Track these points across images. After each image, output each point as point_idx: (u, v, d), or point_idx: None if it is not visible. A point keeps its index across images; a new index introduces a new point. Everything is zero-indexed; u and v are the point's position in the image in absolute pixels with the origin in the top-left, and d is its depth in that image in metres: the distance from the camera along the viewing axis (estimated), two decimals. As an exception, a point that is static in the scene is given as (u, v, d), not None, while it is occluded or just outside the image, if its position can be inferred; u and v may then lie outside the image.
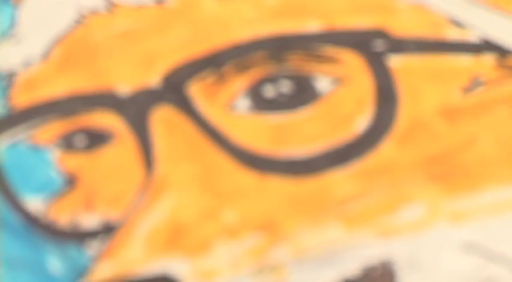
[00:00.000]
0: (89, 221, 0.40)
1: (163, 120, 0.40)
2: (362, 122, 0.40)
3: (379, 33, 0.41)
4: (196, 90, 0.41)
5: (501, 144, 0.40)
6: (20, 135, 0.41)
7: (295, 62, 0.41)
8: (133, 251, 0.39)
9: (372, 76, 0.41)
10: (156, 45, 0.41)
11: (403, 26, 0.42)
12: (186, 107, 0.40)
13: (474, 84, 0.41)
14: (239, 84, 0.40)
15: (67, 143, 0.41)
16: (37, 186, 0.41)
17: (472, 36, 0.42)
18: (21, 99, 0.41)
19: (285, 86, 0.40)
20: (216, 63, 0.41)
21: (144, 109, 0.40)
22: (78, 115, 0.41)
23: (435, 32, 0.42)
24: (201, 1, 0.42)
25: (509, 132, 0.41)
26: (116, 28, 0.42)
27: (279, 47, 0.41)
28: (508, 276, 0.39)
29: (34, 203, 0.40)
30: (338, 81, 0.40)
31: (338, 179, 0.40)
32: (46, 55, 0.42)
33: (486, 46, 0.42)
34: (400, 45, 0.41)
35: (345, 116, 0.40)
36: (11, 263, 0.40)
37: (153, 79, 0.41)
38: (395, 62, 0.41)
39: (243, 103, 0.40)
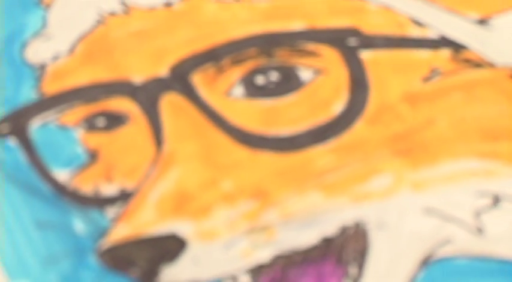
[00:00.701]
0: (108, 189, 0.40)
1: (170, 104, 0.41)
2: (338, 106, 0.40)
3: (353, 32, 0.41)
4: (198, 80, 0.41)
5: (455, 125, 0.41)
6: (49, 117, 0.41)
7: (282, 56, 0.41)
8: (146, 214, 0.39)
9: (347, 67, 0.41)
10: (165, 42, 0.41)
11: (373, 25, 0.42)
12: (190, 93, 0.41)
13: (433, 74, 0.41)
14: (235, 74, 0.41)
15: (89, 124, 0.41)
16: (64, 161, 0.40)
17: (431, 33, 0.42)
18: (51, 87, 0.41)
19: (274, 76, 0.40)
20: (215, 57, 0.41)
21: (154, 95, 0.41)
22: (99, 101, 0.41)
23: (400, 30, 0.42)
24: (203, 5, 0.42)
25: (462, 114, 0.41)
26: (131, 27, 0.42)
27: (268, 43, 0.41)
28: (461, 235, 0.39)
29: (62, 175, 0.40)
30: (318, 71, 0.41)
31: (318, 153, 0.40)
32: (71, 50, 0.42)
33: (443, 42, 0.42)
34: (371, 42, 0.42)
35: (324, 101, 0.40)
36: (43, 224, 0.40)
37: (162, 70, 0.41)
38: (367, 55, 0.41)
39: (238, 90, 0.40)
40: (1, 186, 0.41)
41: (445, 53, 0.42)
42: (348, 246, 0.39)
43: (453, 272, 0.39)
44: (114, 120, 0.41)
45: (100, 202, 0.40)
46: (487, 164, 0.40)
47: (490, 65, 0.42)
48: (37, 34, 0.42)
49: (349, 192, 0.40)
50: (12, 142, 0.41)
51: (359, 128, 0.40)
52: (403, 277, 0.39)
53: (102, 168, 0.41)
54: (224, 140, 0.40)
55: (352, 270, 0.39)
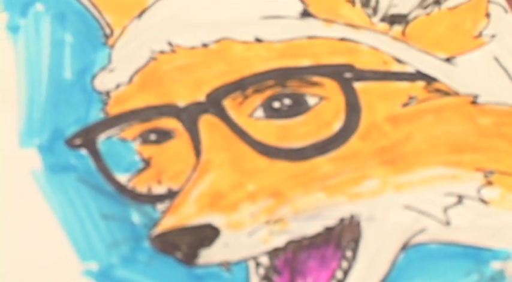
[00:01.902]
0: (158, 189, 0.40)
1: (207, 123, 0.40)
2: (337, 125, 0.40)
3: (348, 67, 0.41)
4: (228, 104, 0.40)
5: (428, 140, 0.40)
6: (113, 132, 0.41)
7: (293, 86, 0.40)
8: (187, 208, 0.38)
9: (344, 95, 0.41)
10: (202, 74, 0.41)
11: (364, 62, 0.41)
12: (222, 115, 0.40)
13: (410, 100, 0.41)
14: (257, 100, 0.40)
15: (143, 138, 0.40)
16: (124, 167, 0.40)
17: (409, 69, 0.42)
18: (114, 109, 0.41)
19: (286, 101, 0.40)
20: (241, 86, 0.40)
21: (194, 116, 0.40)
22: (151, 120, 0.41)
23: (385, 66, 0.41)
24: (232, 45, 0.41)
25: (433, 132, 0.40)
26: (176, 63, 0.41)
27: (282, 76, 0.41)
28: (433, 226, 0.39)
29: (122, 178, 0.40)
30: (322, 98, 0.40)
31: (321, 162, 0.39)
32: (130, 81, 0.41)
33: (418, 76, 0.41)
34: (362, 75, 0.41)
35: (326, 121, 0.40)
36: (107, 216, 0.39)
37: (200, 96, 0.40)
38: (359, 85, 0.41)
39: (259, 113, 0.40)
40: (75, 186, 0.40)
41: (420, 84, 0.41)
42: (344, 234, 0.39)
43: (426, 255, 0.39)
44: (163, 136, 0.40)
45: (152, 199, 0.40)
46: (453, 171, 0.40)
47: (455, 94, 0.41)
48: (103, 68, 0.42)
49: (345, 192, 0.39)
50: (83, 152, 0.41)
51: (353, 142, 0.40)
52: (388, 259, 0.39)
53: (154, 173, 0.40)
54: (248, 151, 0.40)
55: (348, 253, 0.38)
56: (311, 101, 0.40)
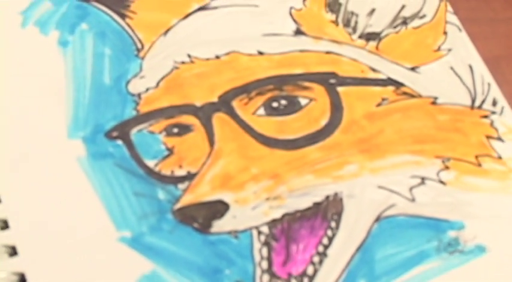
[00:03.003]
0: (180, 172, 0.39)
1: (219, 119, 0.40)
2: (324, 121, 0.40)
3: (332, 75, 0.41)
4: (236, 104, 0.40)
5: (397, 133, 0.40)
6: (143, 126, 0.40)
7: (288, 90, 0.41)
8: (203, 188, 0.38)
9: (329, 97, 0.41)
10: (215, 80, 0.41)
11: (345, 71, 0.42)
12: (231, 113, 0.40)
13: (383, 102, 0.41)
14: (259, 101, 0.40)
15: (168, 131, 0.40)
16: (152, 154, 0.39)
17: (381, 76, 0.42)
18: (144, 108, 0.41)
19: (283, 102, 0.40)
20: (247, 90, 0.41)
21: (209, 114, 0.40)
22: (174, 117, 0.40)
23: (362, 74, 0.42)
24: (239, 57, 0.42)
25: (400, 126, 0.40)
26: (194, 71, 0.41)
27: (280, 82, 0.41)
28: (401, 202, 0.39)
29: (150, 163, 0.39)
30: (311, 99, 0.40)
31: (311, 151, 0.39)
32: (157, 85, 0.41)
33: (389, 82, 0.42)
34: (344, 81, 0.41)
35: (315, 118, 0.40)
36: (138, 194, 0.38)
37: (214, 98, 0.40)
38: (341, 90, 0.41)
39: (261, 111, 0.40)
40: (112, 170, 0.39)
41: (390, 88, 0.42)
42: (329, 208, 0.38)
43: (396, 225, 0.38)
44: (184, 129, 0.40)
45: (174, 180, 0.39)
46: (417, 158, 0.40)
47: (419, 96, 0.42)
48: (135, 75, 0.42)
49: (330, 175, 0.39)
50: (119, 142, 0.40)
51: (336, 135, 0.40)
52: (364, 228, 0.38)
53: (176, 159, 0.39)
54: (252, 142, 0.40)
55: (333, 224, 0.38)
56: (302, 101, 0.40)
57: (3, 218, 0.38)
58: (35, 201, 0.38)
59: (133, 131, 0.40)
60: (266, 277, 0.36)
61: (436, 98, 0.41)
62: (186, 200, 0.38)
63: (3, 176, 0.38)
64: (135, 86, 0.41)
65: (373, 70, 0.42)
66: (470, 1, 0.45)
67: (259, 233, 0.37)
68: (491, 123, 0.41)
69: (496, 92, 0.42)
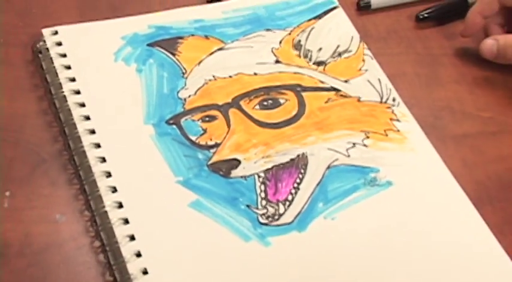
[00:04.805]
0: (210, 143, 0.39)
1: (233, 113, 0.40)
2: (294, 112, 0.41)
3: (299, 85, 0.42)
4: (243, 103, 0.41)
5: (337, 118, 0.41)
6: (188, 117, 0.40)
7: (273, 94, 0.41)
8: (224, 151, 0.38)
9: (297, 98, 0.41)
10: (230, 90, 0.41)
11: (306, 83, 0.42)
12: (240, 108, 0.41)
13: (329, 100, 0.42)
14: (256, 101, 0.41)
15: (203, 119, 0.40)
16: (194, 133, 0.39)
17: (327, 86, 0.43)
18: (188, 106, 0.40)
19: (270, 101, 0.41)
20: (248, 95, 0.41)
21: (227, 109, 0.40)
22: (206, 111, 0.40)
23: (316, 84, 0.43)
24: (243, 76, 0.42)
25: (339, 114, 0.41)
26: (217, 84, 0.42)
27: (268, 90, 0.42)
28: (342, 157, 0.39)
29: (193, 138, 0.39)
30: (286, 100, 0.41)
31: (287, 129, 0.40)
32: (195, 93, 0.41)
33: (332, 89, 0.42)
34: (305, 89, 0.42)
35: (288, 110, 0.41)
36: (187, 156, 0.38)
37: (229, 100, 0.41)
38: (304, 94, 0.42)
39: (257, 107, 0.41)
40: (171, 142, 0.38)
41: (333, 92, 0.42)
42: (299, 162, 0.38)
43: (338, 171, 0.38)
44: (212, 118, 0.40)
45: (208, 148, 0.39)
46: (350, 132, 0.40)
47: (350, 97, 0.42)
48: (182, 88, 0.41)
49: (299, 143, 0.39)
50: (174, 127, 0.39)
51: (302, 120, 0.41)
52: (321, 173, 0.38)
53: (208, 136, 0.39)
54: (253, 125, 0.40)
55: (302, 170, 0.38)
56: (281, 101, 0.41)
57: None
58: (129, 159, 0.37)
59: (182, 120, 0.40)
60: (264, 202, 0.37)
61: (360, 98, 0.42)
62: (215, 158, 0.38)
63: (112, 143, 0.37)
64: (182, 94, 0.41)
65: (322, 82, 0.43)
66: (377, 42, 0.46)
67: (259, 176, 0.38)
68: (392, 111, 0.42)
69: (394, 93, 0.43)
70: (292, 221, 0.36)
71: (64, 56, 0.41)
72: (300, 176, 0.38)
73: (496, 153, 0.40)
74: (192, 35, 0.44)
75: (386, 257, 0.34)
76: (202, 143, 0.39)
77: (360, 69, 0.44)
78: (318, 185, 0.38)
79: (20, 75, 0.39)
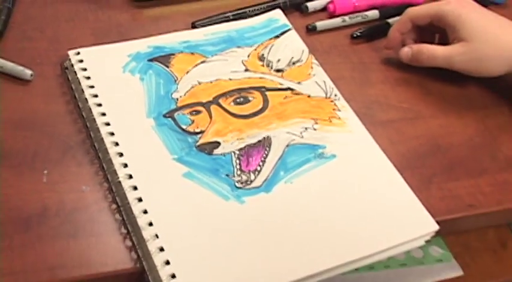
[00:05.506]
0: (197, 130, 0.40)
1: (214, 108, 0.42)
2: (260, 106, 0.43)
3: (263, 87, 0.44)
4: (221, 101, 0.42)
5: (293, 110, 0.42)
6: (180, 112, 0.41)
7: (244, 94, 0.43)
8: (208, 137, 0.40)
9: (262, 96, 0.43)
10: (211, 91, 0.43)
11: (269, 85, 0.44)
12: (219, 105, 0.42)
13: (286, 97, 0.43)
14: (231, 99, 0.43)
15: (191, 113, 0.41)
16: (184, 123, 0.41)
17: (285, 86, 0.44)
18: (180, 104, 0.42)
19: (241, 99, 0.43)
20: (225, 95, 0.43)
21: (209, 105, 0.42)
22: (193, 107, 0.42)
23: (276, 86, 0.44)
24: (221, 82, 0.44)
25: (295, 107, 0.43)
26: (201, 87, 0.43)
27: (239, 90, 0.43)
28: (297, 138, 0.40)
29: (184, 126, 0.40)
30: (254, 97, 0.43)
31: (256, 119, 0.42)
32: (185, 94, 0.43)
33: (288, 88, 0.44)
34: (268, 89, 0.44)
35: (256, 105, 0.43)
36: (180, 139, 0.39)
37: (211, 98, 0.42)
38: (268, 93, 0.43)
39: (232, 103, 0.42)
40: (168, 130, 0.40)
41: (289, 91, 0.44)
42: (265, 142, 0.40)
43: (295, 148, 0.40)
44: (198, 112, 0.42)
45: (195, 133, 0.40)
46: (303, 120, 0.42)
47: (302, 94, 0.44)
48: (174, 91, 0.43)
49: (264, 128, 0.41)
50: (170, 119, 0.41)
51: (266, 112, 0.42)
52: (281, 150, 0.40)
53: (195, 125, 0.41)
54: (229, 116, 0.42)
55: (267, 149, 0.39)
56: (250, 98, 0.43)
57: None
58: (136, 143, 0.39)
59: (176, 114, 0.42)
60: (239, 172, 0.38)
61: (310, 95, 0.44)
62: (201, 141, 0.40)
63: (123, 132, 0.39)
64: (175, 95, 0.43)
65: (281, 84, 0.45)
66: (322, 55, 0.48)
67: (235, 153, 0.39)
68: (335, 104, 0.44)
69: (336, 91, 0.45)
70: (261, 185, 0.38)
71: (85, 70, 0.43)
72: (266, 152, 0.40)
73: (413, 133, 0.44)
74: (181, 52, 0.46)
75: (331, 210, 0.37)
76: (191, 130, 0.41)
77: (310, 74, 0.46)
78: (279, 159, 0.40)
79: (52, 85, 0.43)
